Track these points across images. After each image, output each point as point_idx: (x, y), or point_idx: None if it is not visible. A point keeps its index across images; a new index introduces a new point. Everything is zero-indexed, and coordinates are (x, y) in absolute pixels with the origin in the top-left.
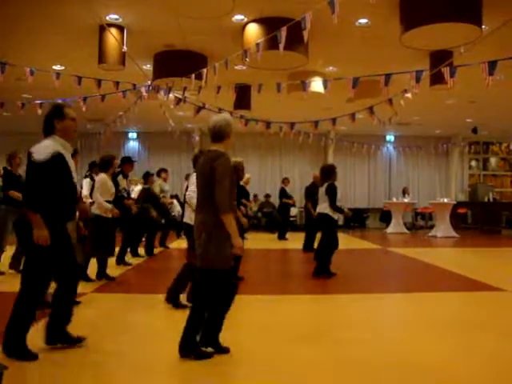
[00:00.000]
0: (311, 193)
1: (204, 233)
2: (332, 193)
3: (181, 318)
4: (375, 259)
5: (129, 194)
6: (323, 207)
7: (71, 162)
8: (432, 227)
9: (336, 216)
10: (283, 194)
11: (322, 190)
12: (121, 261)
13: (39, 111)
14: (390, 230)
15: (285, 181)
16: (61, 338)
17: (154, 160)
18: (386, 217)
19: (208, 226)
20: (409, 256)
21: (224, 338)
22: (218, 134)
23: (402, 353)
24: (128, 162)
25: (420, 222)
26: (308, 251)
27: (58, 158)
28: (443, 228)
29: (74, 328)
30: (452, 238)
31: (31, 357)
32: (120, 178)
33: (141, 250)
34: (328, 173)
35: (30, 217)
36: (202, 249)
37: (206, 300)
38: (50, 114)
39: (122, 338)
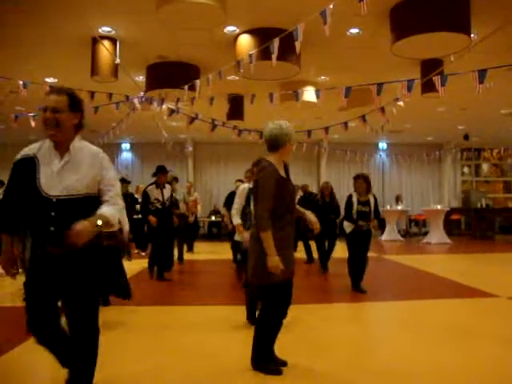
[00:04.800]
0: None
1: (249, 247)
2: (346, 203)
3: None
4: (371, 267)
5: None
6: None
7: None
8: (426, 234)
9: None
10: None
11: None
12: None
13: (32, 123)
14: (384, 237)
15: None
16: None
17: (147, 170)
18: (380, 224)
19: (251, 239)
20: (404, 263)
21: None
22: (273, 142)
23: (396, 361)
24: (161, 172)
25: (414, 229)
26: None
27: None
28: (437, 234)
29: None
30: (446, 244)
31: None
32: (151, 188)
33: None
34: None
35: None
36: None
37: (265, 314)
38: None
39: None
